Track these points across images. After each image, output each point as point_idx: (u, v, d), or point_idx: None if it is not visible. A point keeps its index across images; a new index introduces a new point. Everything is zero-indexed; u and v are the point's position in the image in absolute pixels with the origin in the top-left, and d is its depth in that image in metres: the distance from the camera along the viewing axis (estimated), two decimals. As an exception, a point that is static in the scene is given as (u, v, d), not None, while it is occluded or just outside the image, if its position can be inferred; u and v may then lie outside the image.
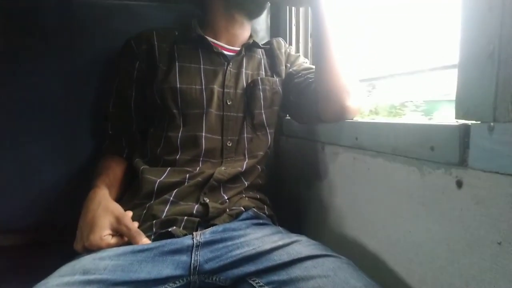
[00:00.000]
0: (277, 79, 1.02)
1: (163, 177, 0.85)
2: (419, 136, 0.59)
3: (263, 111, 0.97)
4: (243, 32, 1.04)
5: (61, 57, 1.09)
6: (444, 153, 0.53)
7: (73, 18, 1.11)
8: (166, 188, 0.83)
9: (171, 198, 0.82)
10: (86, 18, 1.11)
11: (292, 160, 1.19)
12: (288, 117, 1.18)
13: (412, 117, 0.67)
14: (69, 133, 1.09)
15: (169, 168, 0.87)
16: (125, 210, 0.79)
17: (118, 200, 0.88)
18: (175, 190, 0.83)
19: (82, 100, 1.09)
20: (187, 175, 0.85)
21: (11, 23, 1.07)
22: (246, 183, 0.92)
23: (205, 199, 0.83)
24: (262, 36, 1.26)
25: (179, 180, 0.84)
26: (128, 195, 0.89)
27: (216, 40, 1.01)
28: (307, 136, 1.05)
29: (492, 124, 0.45)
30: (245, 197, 0.90)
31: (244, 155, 0.95)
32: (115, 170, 0.93)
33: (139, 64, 0.95)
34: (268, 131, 1.00)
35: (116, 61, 0.99)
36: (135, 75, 0.95)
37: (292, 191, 1.16)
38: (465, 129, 0.50)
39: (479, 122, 0.48)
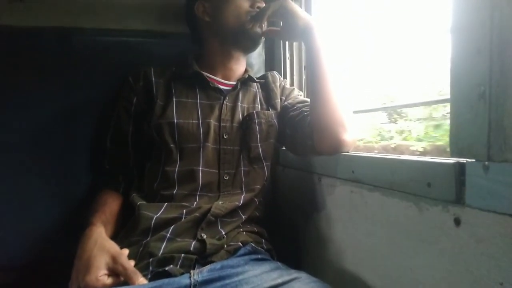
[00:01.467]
0: (273, 112, 1.03)
1: (160, 213, 0.84)
2: (415, 172, 0.59)
3: (259, 144, 0.98)
4: (239, 67, 1.06)
5: (59, 92, 1.10)
6: (441, 190, 0.54)
7: (72, 54, 1.13)
8: (163, 224, 0.82)
9: (168, 235, 0.81)
10: (85, 54, 1.13)
11: (289, 191, 1.19)
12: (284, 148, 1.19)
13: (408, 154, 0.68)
14: (66, 167, 1.08)
15: (166, 204, 0.86)
16: (121, 247, 0.78)
17: (115, 236, 0.87)
18: (172, 226, 0.82)
19: (79, 135, 1.09)
20: (184, 210, 0.85)
21: (11, 57, 1.08)
22: (243, 217, 0.91)
23: (202, 235, 0.82)
24: (258, 69, 1.28)
25: (176, 216, 0.84)
26: (124, 231, 0.88)
27: (212, 75, 1.02)
28: (303, 167, 1.06)
29: (487, 163, 0.46)
30: (243, 231, 0.89)
31: (241, 189, 0.95)
32: (112, 206, 0.92)
33: (137, 100, 0.96)
34: (264, 164, 1.00)
35: (114, 97, 1.00)
36: (133, 110, 0.96)
37: (289, 222, 1.15)
38: (461, 167, 0.51)
39: (474, 160, 0.49)
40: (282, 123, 1.03)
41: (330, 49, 0.92)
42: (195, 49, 1.10)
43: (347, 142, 0.84)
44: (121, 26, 1.20)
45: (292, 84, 1.27)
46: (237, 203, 0.90)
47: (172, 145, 0.90)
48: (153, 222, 0.82)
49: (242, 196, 0.93)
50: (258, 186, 0.98)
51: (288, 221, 1.17)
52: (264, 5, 1.00)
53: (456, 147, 0.52)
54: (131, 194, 0.92)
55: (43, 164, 1.06)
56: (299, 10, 0.94)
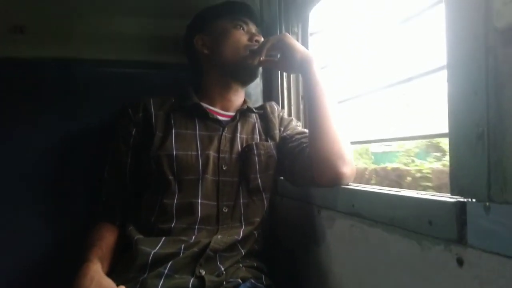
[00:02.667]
0: (272, 143, 1.03)
1: (157, 248, 0.83)
2: (416, 209, 0.59)
3: (258, 176, 0.98)
4: (238, 98, 1.07)
5: (58, 122, 1.11)
6: (443, 228, 0.53)
7: (72, 84, 1.14)
8: (160, 260, 0.81)
9: (166, 271, 0.79)
10: (84, 84, 1.15)
11: (288, 222, 1.17)
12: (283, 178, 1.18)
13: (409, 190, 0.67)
14: (62, 199, 1.08)
15: (164, 238, 0.85)
16: (118, 284, 0.76)
17: (112, 270, 0.85)
18: (170, 262, 0.80)
19: (77, 166, 1.09)
20: (183, 245, 0.84)
21: (10, 87, 1.09)
22: (243, 251, 0.90)
23: (201, 271, 0.80)
24: (256, 99, 1.30)
25: (174, 251, 0.82)
26: (121, 266, 0.86)
27: (211, 106, 1.03)
28: (302, 198, 1.05)
29: (487, 204, 0.46)
30: (242, 266, 0.88)
31: (241, 222, 0.94)
32: (108, 241, 0.91)
33: (136, 132, 0.96)
34: (264, 196, 0.99)
35: (112, 129, 1.00)
36: (132, 142, 0.97)
37: (289, 255, 1.13)
38: (462, 206, 0.50)
39: (474, 200, 0.49)
40: (281, 154, 1.03)
41: (327, 81, 0.94)
42: (194, 80, 1.11)
43: (347, 174, 0.84)
44: (120, 57, 1.22)
45: (290, 114, 1.28)
46: (236, 237, 0.89)
47: (170, 177, 0.90)
48: (150, 258, 0.81)
49: (242, 229, 0.92)
50: (258, 219, 0.97)
51: (288, 254, 1.15)
52: (262, 39, 1.02)
53: (456, 185, 0.52)
54: (128, 227, 0.91)
55: (38, 195, 1.06)
56: (297, 44, 0.96)
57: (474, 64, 0.48)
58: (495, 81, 0.46)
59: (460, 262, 0.50)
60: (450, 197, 0.53)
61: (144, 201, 0.94)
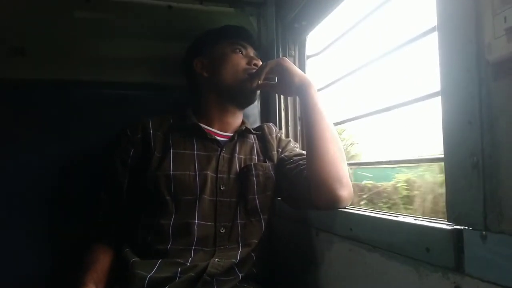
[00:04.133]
0: (270, 164, 1.04)
1: (153, 272, 0.82)
2: (413, 235, 0.59)
3: (256, 197, 0.98)
4: (236, 120, 1.08)
5: (56, 143, 1.11)
6: (440, 256, 0.53)
7: (70, 106, 1.15)
8: (157, 284, 0.80)
9: None
10: (83, 106, 1.15)
11: (286, 244, 1.17)
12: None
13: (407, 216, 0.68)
14: (57, 220, 1.07)
15: (160, 260, 0.85)
16: None
17: None
18: (167, 287, 0.80)
19: (72, 187, 1.09)
20: (179, 268, 0.83)
21: (9, 109, 1.10)
22: (240, 275, 0.89)
23: (198, 296, 0.80)
24: (253, 120, 1.31)
25: (170, 275, 0.82)
26: None
27: (209, 126, 1.04)
28: (300, 220, 1.05)
29: (484, 233, 0.46)
30: (239, 291, 0.87)
31: (238, 243, 0.93)
32: (103, 263, 0.90)
33: (134, 152, 0.97)
34: (261, 217, 0.99)
35: (110, 149, 1.01)
36: (130, 162, 0.97)
37: (287, 278, 1.13)
38: (458, 233, 0.51)
39: (471, 228, 0.49)
40: (279, 176, 1.03)
41: (324, 104, 0.95)
42: (192, 101, 1.12)
43: (344, 197, 0.84)
44: (119, 79, 1.23)
45: (287, 135, 1.29)
46: (233, 260, 0.88)
47: (168, 197, 0.90)
48: (146, 282, 0.80)
49: (239, 251, 0.91)
50: (255, 240, 0.96)
51: (286, 277, 1.14)
52: (260, 62, 1.04)
53: (452, 213, 0.53)
54: (124, 248, 0.90)
55: (33, 216, 1.05)
56: (295, 68, 0.98)
57: (468, 95, 0.50)
58: (488, 113, 0.47)
59: (458, 290, 0.51)
60: (447, 224, 0.54)
61: (141, 222, 0.94)
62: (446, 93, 0.53)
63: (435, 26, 0.59)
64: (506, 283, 0.44)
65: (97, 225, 0.98)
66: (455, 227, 0.51)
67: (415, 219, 0.63)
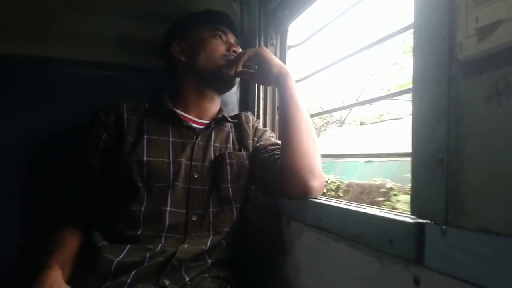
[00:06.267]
0: (245, 153, 1.04)
1: (121, 256, 0.81)
2: (378, 227, 0.60)
3: (229, 185, 0.98)
4: (213, 106, 1.07)
5: (25, 122, 1.07)
6: (402, 248, 0.55)
7: (42, 83, 1.11)
8: (124, 268, 0.79)
9: (129, 281, 0.78)
10: (56, 85, 1.12)
11: (258, 231, 1.18)
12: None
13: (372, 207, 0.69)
14: (25, 200, 1.04)
15: (129, 246, 0.84)
16: None
17: (73, 276, 0.83)
18: (134, 271, 0.79)
19: (42, 168, 1.06)
20: (148, 254, 0.82)
21: None
22: (209, 261, 0.89)
23: (165, 281, 0.79)
24: (232, 108, 1.30)
25: (138, 260, 0.81)
26: (83, 273, 0.84)
27: (186, 113, 1.03)
28: (273, 209, 1.05)
29: (444, 227, 0.48)
30: (208, 276, 0.87)
31: (209, 231, 0.93)
32: (71, 245, 0.88)
33: (107, 136, 0.95)
34: (234, 205, 0.99)
35: (83, 131, 0.98)
36: (102, 146, 0.95)
37: (257, 265, 1.14)
38: (421, 227, 0.52)
39: (433, 222, 0.50)
40: (253, 165, 1.03)
41: (302, 96, 0.95)
42: (170, 86, 1.11)
43: (316, 188, 0.85)
44: (94, 58, 1.20)
45: (265, 124, 1.29)
46: (203, 246, 0.88)
47: (140, 184, 0.89)
48: (113, 266, 0.79)
49: (210, 239, 0.91)
50: (226, 229, 0.97)
51: (256, 264, 1.15)
52: (240, 50, 1.03)
53: (416, 206, 0.54)
54: (93, 232, 0.89)
55: (2, 196, 1.01)
56: (274, 58, 0.98)
57: (438, 92, 0.50)
58: (456, 111, 0.48)
59: (416, 282, 0.52)
60: (411, 218, 0.55)
61: (111, 207, 0.92)
62: (417, 89, 0.54)
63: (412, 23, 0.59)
64: (463, 276, 0.45)
65: (67, 207, 0.96)
66: (418, 220, 0.53)
67: (381, 211, 0.64)
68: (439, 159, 0.49)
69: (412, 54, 0.56)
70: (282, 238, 0.97)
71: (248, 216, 1.23)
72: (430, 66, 0.52)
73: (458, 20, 0.48)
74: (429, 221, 0.51)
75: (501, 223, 0.42)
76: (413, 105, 0.54)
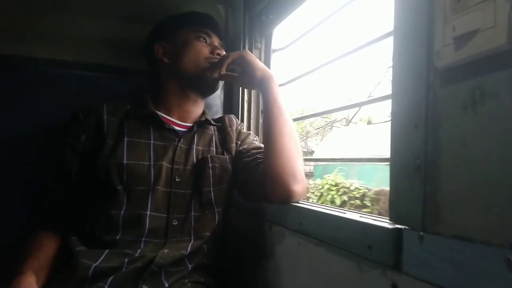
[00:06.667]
0: (227, 157, 1.03)
1: (99, 261, 0.79)
2: (357, 232, 0.61)
3: (211, 189, 0.97)
4: (196, 109, 1.06)
5: (3, 123, 1.04)
6: (380, 253, 0.55)
7: (22, 84, 1.08)
8: (101, 274, 0.78)
9: (106, 286, 0.76)
10: (36, 85, 1.09)
11: (240, 235, 1.17)
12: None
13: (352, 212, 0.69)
14: (2, 205, 1.01)
15: (107, 251, 0.82)
16: None
17: (49, 282, 0.81)
18: (111, 277, 0.77)
19: (18, 170, 1.03)
20: (126, 259, 0.81)
21: None
22: (190, 266, 0.88)
23: (143, 287, 0.78)
24: (216, 111, 1.29)
25: (116, 265, 0.79)
26: (58, 279, 0.81)
27: (168, 115, 1.02)
28: (255, 213, 1.05)
29: (421, 233, 0.48)
30: (188, 282, 0.86)
31: (190, 235, 0.92)
32: (47, 251, 0.86)
33: (86, 138, 0.93)
34: (216, 209, 0.99)
35: (60, 133, 0.96)
36: (80, 148, 0.93)
37: (239, 269, 1.13)
38: (399, 233, 0.53)
39: (410, 228, 0.51)
40: (236, 168, 1.03)
41: (285, 100, 0.95)
42: (153, 88, 1.09)
43: (297, 192, 0.85)
44: (76, 59, 1.18)
45: (249, 128, 1.28)
46: (183, 251, 0.87)
47: (119, 187, 0.87)
48: (90, 271, 0.77)
49: (190, 244, 0.90)
50: (208, 233, 0.95)
51: (238, 268, 1.14)
52: (224, 52, 1.02)
53: (394, 212, 0.55)
54: (71, 237, 0.87)
55: None
56: (257, 61, 0.97)
57: (416, 99, 0.51)
58: (433, 118, 0.49)
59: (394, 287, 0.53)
60: (389, 223, 0.55)
61: (90, 211, 0.90)
62: (396, 96, 0.55)
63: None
64: (439, 282, 0.46)
65: (44, 212, 0.93)
66: (396, 226, 0.53)
67: (360, 216, 0.64)
68: (417, 166, 0.50)
69: (392, 61, 0.56)
70: (264, 242, 0.97)
71: (230, 220, 1.22)
72: (409, 73, 0.53)
73: (436, 28, 0.49)
74: (407, 227, 0.52)
75: (475, 230, 0.43)
76: (392, 112, 0.55)
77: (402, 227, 0.52)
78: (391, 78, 0.56)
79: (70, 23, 1.18)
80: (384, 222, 0.56)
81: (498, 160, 0.41)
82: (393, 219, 0.54)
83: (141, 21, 1.20)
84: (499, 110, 0.41)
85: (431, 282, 0.47)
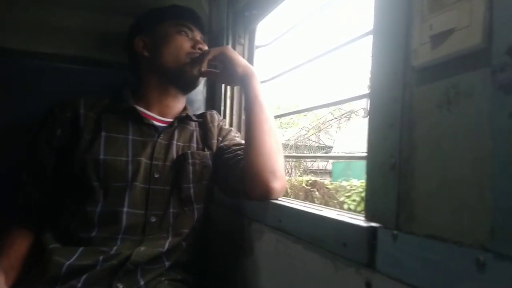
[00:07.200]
0: (208, 153, 1.02)
1: (73, 259, 0.77)
2: (333, 230, 0.60)
3: (191, 185, 0.96)
4: (177, 104, 1.04)
5: None
6: (355, 252, 0.55)
7: (1, 78, 1.04)
8: (75, 272, 0.76)
9: (79, 285, 0.74)
10: (11, 77, 1.06)
11: (220, 232, 1.16)
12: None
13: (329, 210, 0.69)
14: None
15: (82, 248, 0.80)
16: None
17: (20, 281, 0.78)
18: (85, 275, 0.75)
19: None
20: (101, 257, 0.79)
21: None
22: (167, 263, 0.87)
23: (118, 285, 0.76)
24: (198, 106, 1.28)
25: (91, 263, 0.77)
26: (30, 278, 0.79)
27: (148, 110, 1.00)
28: (236, 209, 1.04)
29: (395, 232, 0.48)
30: (165, 280, 0.85)
31: (168, 232, 0.91)
32: (19, 248, 0.83)
33: (61, 132, 0.90)
34: (195, 206, 0.97)
35: (36, 127, 0.93)
36: (56, 143, 0.90)
37: (218, 266, 1.12)
38: (373, 231, 0.52)
39: (384, 227, 0.51)
40: (216, 165, 1.02)
41: (267, 96, 0.95)
42: (133, 82, 1.07)
43: (277, 189, 0.85)
44: (56, 51, 1.14)
45: (231, 124, 1.27)
46: (161, 249, 0.85)
47: (95, 183, 0.85)
48: (63, 269, 0.75)
49: (168, 241, 0.89)
50: (186, 230, 0.94)
51: (217, 265, 1.13)
52: (206, 47, 1.01)
53: (369, 210, 0.54)
54: (45, 233, 0.84)
55: None
56: (239, 57, 0.96)
57: (392, 98, 0.51)
58: (408, 117, 0.49)
59: (368, 286, 0.53)
60: (364, 221, 0.55)
61: (65, 207, 0.88)
62: (373, 94, 0.55)
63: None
64: (411, 281, 0.46)
65: (18, 208, 0.90)
66: (371, 224, 0.53)
67: (337, 214, 0.64)
68: (392, 164, 0.50)
69: (371, 59, 0.56)
70: (243, 239, 0.96)
71: (211, 216, 1.21)
72: (386, 72, 0.53)
73: (413, 27, 0.49)
74: (381, 226, 0.52)
75: (448, 230, 0.43)
76: (370, 110, 0.55)
77: (377, 225, 0.52)
78: (370, 77, 0.56)
79: (50, 15, 1.14)
80: (360, 220, 0.56)
81: (471, 160, 0.41)
82: (368, 217, 0.54)
83: (123, 13, 1.18)
84: (473, 109, 0.41)
85: (403, 281, 0.47)
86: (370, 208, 0.54)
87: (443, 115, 0.45)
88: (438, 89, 0.45)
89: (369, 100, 0.56)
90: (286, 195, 0.93)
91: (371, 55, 0.56)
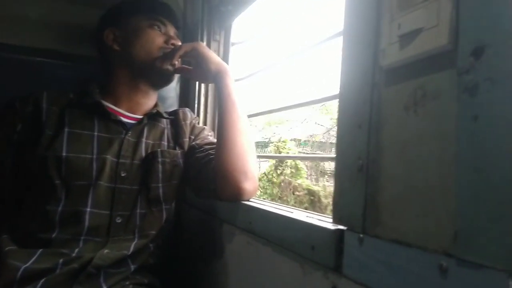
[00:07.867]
0: (179, 152, 0.99)
1: (30, 262, 0.73)
2: (302, 233, 0.59)
3: (160, 185, 0.93)
4: (147, 101, 1.01)
5: None
6: (322, 255, 0.54)
7: None
8: (32, 276, 0.72)
9: None
10: None
11: (192, 233, 1.14)
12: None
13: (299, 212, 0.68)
14: None
15: (40, 250, 0.76)
16: None
17: None
18: (43, 280, 0.71)
19: None
20: (61, 260, 0.75)
21: None
22: (132, 266, 0.84)
23: (79, 290, 0.73)
24: (170, 104, 1.24)
25: (49, 267, 0.74)
26: None
27: (116, 106, 0.96)
28: (207, 210, 1.02)
29: (361, 235, 0.47)
30: (129, 284, 0.81)
31: (134, 234, 0.87)
32: None
33: (22, 127, 0.85)
34: (164, 206, 0.94)
35: None
36: (16, 139, 0.85)
37: (188, 268, 1.10)
38: (340, 234, 0.51)
39: (351, 230, 0.50)
40: (188, 164, 0.99)
41: (240, 94, 0.93)
42: (102, 76, 1.03)
43: (248, 190, 0.83)
44: (20, 43, 1.09)
45: (205, 123, 1.25)
46: (125, 251, 0.82)
47: (57, 181, 0.81)
48: (19, 273, 0.71)
49: (134, 243, 0.85)
50: (154, 232, 0.91)
51: (187, 267, 1.11)
52: (179, 43, 0.98)
53: (337, 213, 0.53)
54: (1, 235, 0.80)
55: None
56: (212, 54, 0.94)
57: (361, 99, 0.50)
58: (377, 118, 0.47)
59: (335, 290, 0.51)
60: (332, 224, 0.54)
61: (24, 207, 0.83)
62: (343, 95, 0.53)
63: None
64: (377, 286, 0.45)
65: None
66: (338, 227, 0.52)
67: (307, 216, 0.63)
68: (359, 166, 0.49)
69: (340, 60, 0.55)
70: (214, 240, 0.94)
71: (181, 217, 1.19)
72: (355, 72, 0.51)
73: (382, 26, 0.48)
74: (348, 229, 0.51)
75: (413, 235, 0.42)
76: (339, 111, 0.53)
77: (344, 228, 0.51)
78: (339, 77, 0.55)
79: (13, 3, 1.08)
80: (327, 223, 0.55)
81: (436, 164, 0.40)
82: (336, 219, 0.53)
83: (93, 5, 1.13)
84: (439, 112, 0.40)
85: (369, 286, 0.46)
86: (338, 211, 0.53)
87: (409, 117, 0.44)
88: (406, 90, 0.44)
89: (338, 100, 0.54)
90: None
91: (341, 54, 0.55)
